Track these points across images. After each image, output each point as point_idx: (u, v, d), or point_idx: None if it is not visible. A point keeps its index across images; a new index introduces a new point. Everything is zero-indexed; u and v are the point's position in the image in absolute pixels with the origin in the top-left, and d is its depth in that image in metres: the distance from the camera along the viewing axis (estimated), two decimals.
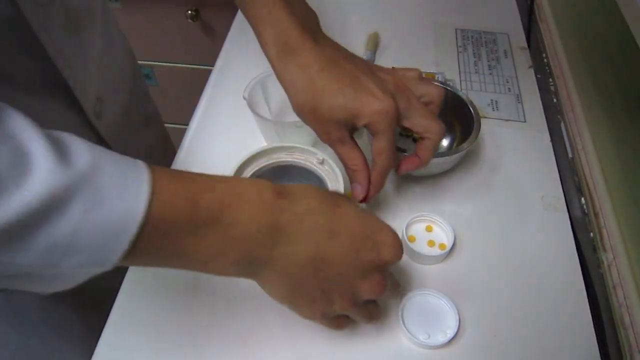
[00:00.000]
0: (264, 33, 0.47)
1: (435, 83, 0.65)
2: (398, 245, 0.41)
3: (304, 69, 0.45)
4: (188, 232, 0.31)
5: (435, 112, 0.51)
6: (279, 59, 0.46)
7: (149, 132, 0.76)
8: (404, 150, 0.57)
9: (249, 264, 0.36)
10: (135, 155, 0.32)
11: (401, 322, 0.49)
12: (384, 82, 0.47)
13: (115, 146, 0.59)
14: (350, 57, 0.49)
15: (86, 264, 0.28)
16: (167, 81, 1.42)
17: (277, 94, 0.61)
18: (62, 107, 0.50)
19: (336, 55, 0.47)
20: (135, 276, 0.53)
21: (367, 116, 0.45)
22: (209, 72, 0.77)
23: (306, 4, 0.51)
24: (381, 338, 0.49)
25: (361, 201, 0.49)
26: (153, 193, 0.29)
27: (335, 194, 0.42)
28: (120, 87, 0.65)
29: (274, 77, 0.48)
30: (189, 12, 1.22)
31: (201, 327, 0.49)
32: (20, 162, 0.26)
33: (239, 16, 0.86)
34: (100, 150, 0.29)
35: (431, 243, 0.55)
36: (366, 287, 0.39)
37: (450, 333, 0.48)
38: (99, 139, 0.57)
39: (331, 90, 0.45)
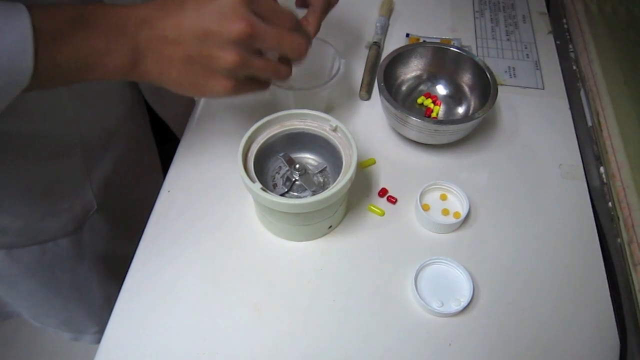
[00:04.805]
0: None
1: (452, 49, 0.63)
2: None
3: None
4: (74, 29, 0.37)
5: None
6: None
7: None
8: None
9: (133, 54, 0.39)
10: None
11: (415, 290, 0.49)
12: None
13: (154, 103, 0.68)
14: None
15: (6, 83, 0.34)
16: None
17: None
18: None
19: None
20: (147, 245, 0.53)
21: None
22: None
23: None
24: (395, 306, 0.49)
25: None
26: (31, 11, 0.34)
27: None
28: None
29: None
30: None
31: (214, 295, 0.50)
32: None
33: None
34: None
35: (445, 211, 0.55)
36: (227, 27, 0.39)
37: (464, 301, 0.48)
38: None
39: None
